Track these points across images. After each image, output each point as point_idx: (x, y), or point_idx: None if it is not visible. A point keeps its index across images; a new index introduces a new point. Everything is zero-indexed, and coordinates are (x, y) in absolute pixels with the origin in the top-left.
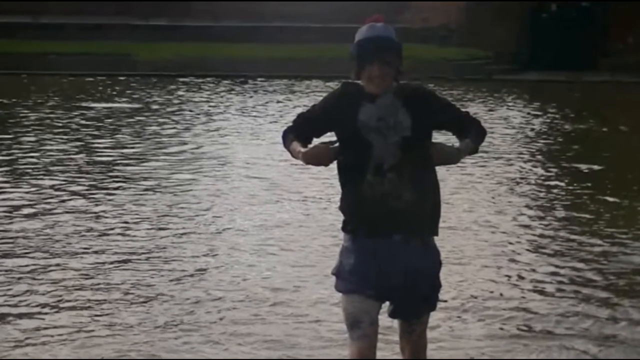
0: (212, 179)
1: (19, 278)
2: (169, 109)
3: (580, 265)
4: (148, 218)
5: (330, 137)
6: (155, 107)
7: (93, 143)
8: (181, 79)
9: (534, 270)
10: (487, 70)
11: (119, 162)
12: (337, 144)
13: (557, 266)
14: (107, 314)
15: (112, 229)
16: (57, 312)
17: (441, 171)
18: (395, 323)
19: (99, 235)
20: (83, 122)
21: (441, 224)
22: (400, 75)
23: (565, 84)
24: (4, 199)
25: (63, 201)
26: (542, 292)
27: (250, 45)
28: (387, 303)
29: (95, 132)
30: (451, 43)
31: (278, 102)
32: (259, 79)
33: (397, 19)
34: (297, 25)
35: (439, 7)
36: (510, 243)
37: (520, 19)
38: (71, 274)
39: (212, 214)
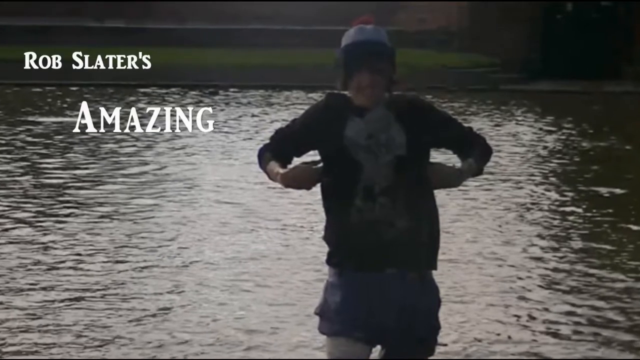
0: (177, 205)
1: None
2: (127, 124)
3: (600, 303)
4: (104, 249)
5: (313, 156)
6: (112, 121)
7: (41, 163)
8: (142, 90)
9: (546, 310)
10: (493, 79)
11: (70, 185)
12: (320, 164)
13: (573, 305)
14: None
15: (63, 262)
16: None
17: (440, 195)
18: None
19: (48, 270)
20: (29, 139)
21: (440, 256)
22: (394, 85)
23: (583, 95)
24: None
25: (6, 230)
26: (556, 335)
27: (221, 50)
28: (379, 347)
29: (44, 151)
30: (452, 48)
31: (253, 116)
32: (232, 90)
33: (389, 21)
34: (275, 28)
35: (437, 7)
36: (520, 278)
37: (531, 20)
38: (15, 314)
39: (177, 245)
